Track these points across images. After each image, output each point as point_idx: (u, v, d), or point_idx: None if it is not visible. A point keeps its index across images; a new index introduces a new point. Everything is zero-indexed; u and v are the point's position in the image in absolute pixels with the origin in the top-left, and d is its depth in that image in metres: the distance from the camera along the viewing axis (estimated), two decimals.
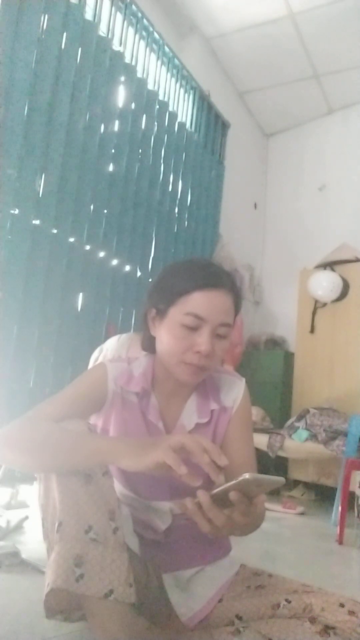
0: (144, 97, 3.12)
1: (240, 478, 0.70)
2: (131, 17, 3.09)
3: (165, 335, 0.96)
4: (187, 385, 1.02)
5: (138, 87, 3.07)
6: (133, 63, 3.05)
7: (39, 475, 0.88)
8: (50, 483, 0.83)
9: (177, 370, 0.96)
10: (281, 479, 0.73)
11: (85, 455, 0.82)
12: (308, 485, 3.30)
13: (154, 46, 3.30)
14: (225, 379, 1.10)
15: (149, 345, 1.05)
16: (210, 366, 0.96)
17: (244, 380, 1.11)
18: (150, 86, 3.20)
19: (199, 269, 0.97)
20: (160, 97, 3.30)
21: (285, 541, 2.25)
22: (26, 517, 1.89)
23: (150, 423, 1.01)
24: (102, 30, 2.79)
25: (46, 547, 0.85)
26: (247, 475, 0.69)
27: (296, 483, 3.36)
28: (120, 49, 2.94)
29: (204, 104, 3.81)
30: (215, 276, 0.96)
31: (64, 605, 0.85)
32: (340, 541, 2.22)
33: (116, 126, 2.87)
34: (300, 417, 3.00)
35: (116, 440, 0.88)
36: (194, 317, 0.93)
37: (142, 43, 3.20)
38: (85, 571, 0.75)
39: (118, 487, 1.01)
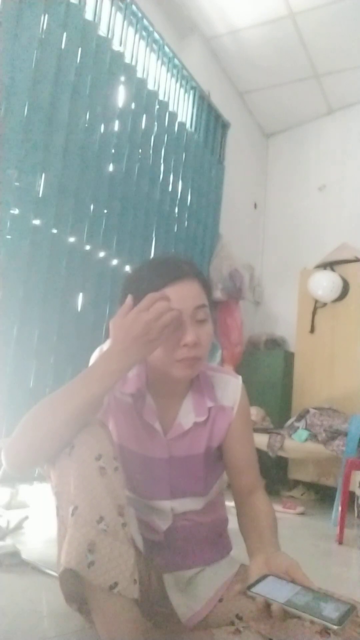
0: (144, 97, 3.12)
1: (326, 625, 0.68)
2: (131, 17, 3.08)
3: None
4: (183, 382, 1.02)
5: (138, 87, 3.07)
6: (133, 63, 3.05)
7: (53, 463, 0.86)
8: (67, 469, 0.83)
9: (172, 369, 0.96)
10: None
11: (84, 389, 0.91)
12: (308, 485, 3.30)
13: (154, 46, 3.29)
14: (219, 377, 1.10)
15: None
16: (202, 355, 0.96)
17: (239, 378, 1.11)
18: (150, 86, 3.20)
19: (159, 267, 0.98)
20: (160, 97, 3.30)
21: (285, 541, 2.22)
22: (26, 517, 1.89)
23: (146, 424, 1.01)
24: (102, 30, 2.79)
25: (57, 527, 0.87)
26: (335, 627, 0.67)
27: (296, 483, 3.36)
28: (120, 49, 2.94)
29: (204, 104, 3.80)
30: (177, 269, 0.96)
31: (76, 590, 0.85)
32: (340, 541, 2.22)
33: (116, 126, 2.86)
34: (300, 417, 3.00)
35: (101, 364, 0.96)
36: None
37: (142, 43, 3.19)
38: (95, 559, 0.76)
39: None
